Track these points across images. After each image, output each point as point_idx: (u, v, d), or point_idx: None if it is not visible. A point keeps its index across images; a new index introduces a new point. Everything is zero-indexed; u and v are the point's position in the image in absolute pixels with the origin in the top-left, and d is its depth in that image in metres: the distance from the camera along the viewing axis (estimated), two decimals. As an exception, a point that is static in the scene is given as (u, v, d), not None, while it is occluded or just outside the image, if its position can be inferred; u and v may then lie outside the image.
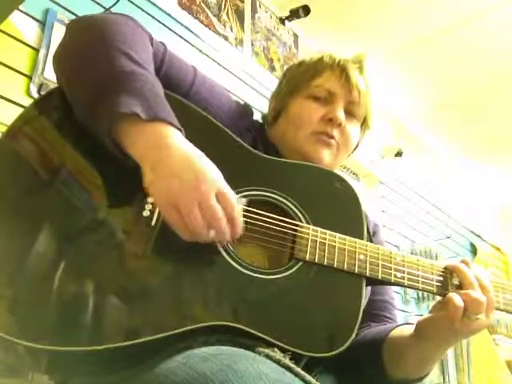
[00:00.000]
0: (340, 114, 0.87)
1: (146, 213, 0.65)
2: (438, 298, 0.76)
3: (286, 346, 0.61)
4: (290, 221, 0.72)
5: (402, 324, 0.83)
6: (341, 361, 0.81)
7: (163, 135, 0.62)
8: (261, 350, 0.57)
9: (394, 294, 0.98)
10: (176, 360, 0.53)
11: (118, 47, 0.66)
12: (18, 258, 0.57)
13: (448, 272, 0.75)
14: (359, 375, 0.83)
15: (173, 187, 0.60)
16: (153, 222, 0.65)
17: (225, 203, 0.61)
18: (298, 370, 0.54)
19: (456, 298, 0.68)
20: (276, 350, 0.59)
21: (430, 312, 0.75)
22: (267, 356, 0.56)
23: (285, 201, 0.74)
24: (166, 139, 0.62)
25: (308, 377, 0.53)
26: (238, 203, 0.63)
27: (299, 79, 0.91)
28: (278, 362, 0.55)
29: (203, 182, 0.60)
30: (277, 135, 0.92)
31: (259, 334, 0.61)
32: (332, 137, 0.87)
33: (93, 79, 0.65)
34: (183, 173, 0.60)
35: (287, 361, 0.56)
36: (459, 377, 2.73)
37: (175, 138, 0.63)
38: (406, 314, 2.65)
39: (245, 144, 0.77)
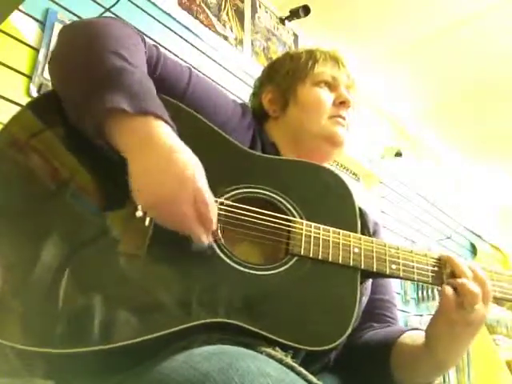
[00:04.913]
0: (349, 96, 0.92)
1: (138, 213, 0.64)
2: (438, 298, 0.75)
3: (283, 341, 0.60)
4: (284, 216, 0.72)
5: (410, 329, 0.83)
6: (344, 361, 0.81)
7: (150, 129, 0.61)
8: (262, 349, 0.57)
9: (394, 293, 0.98)
10: (178, 359, 0.53)
11: (109, 48, 0.66)
12: (11, 262, 0.58)
13: (442, 262, 0.75)
14: (363, 377, 0.82)
15: (156, 185, 0.60)
16: (146, 223, 0.64)
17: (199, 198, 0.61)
18: (301, 369, 0.54)
19: (447, 288, 0.70)
20: (277, 348, 0.59)
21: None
22: (269, 355, 0.56)
23: (277, 197, 0.73)
24: (152, 133, 0.61)
25: (310, 376, 0.53)
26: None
27: (300, 68, 0.94)
28: (280, 361, 0.55)
29: (187, 180, 0.60)
30: (286, 126, 0.92)
31: (257, 330, 0.61)
32: (345, 118, 0.92)
33: (83, 79, 0.65)
34: (166, 169, 0.60)
35: (289, 360, 0.56)
36: (459, 377, 2.73)
37: (161, 133, 0.62)
38: (405, 314, 2.65)
39: (237, 143, 0.76)
